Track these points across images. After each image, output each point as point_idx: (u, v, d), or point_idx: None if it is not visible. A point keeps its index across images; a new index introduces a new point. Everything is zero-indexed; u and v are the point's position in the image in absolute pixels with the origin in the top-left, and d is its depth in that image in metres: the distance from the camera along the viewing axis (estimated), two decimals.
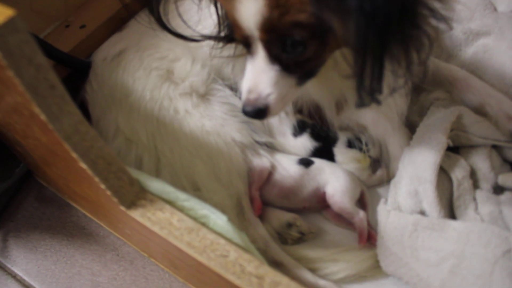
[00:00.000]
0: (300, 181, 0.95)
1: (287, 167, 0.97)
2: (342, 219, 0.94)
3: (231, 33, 0.85)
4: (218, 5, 0.83)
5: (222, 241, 0.68)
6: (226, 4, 0.75)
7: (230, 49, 0.91)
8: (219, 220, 0.69)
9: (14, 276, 0.94)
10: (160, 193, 0.73)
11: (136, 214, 0.71)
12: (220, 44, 0.90)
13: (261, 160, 0.96)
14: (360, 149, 0.98)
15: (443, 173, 0.87)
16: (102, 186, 0.67)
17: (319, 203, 0.96)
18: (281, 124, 1.00)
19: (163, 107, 0.95)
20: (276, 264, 0.85)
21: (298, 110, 1.01)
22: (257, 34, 0.72)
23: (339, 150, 0.99)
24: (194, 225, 0.69)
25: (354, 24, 0.61)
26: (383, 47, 0.65)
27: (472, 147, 0.91)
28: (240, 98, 0.90)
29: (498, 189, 0.87)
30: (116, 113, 0.96)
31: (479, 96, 0.95)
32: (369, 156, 0.98)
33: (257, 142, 0.98)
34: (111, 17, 1.09)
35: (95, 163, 0.64)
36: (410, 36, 0.67)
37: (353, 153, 0.98)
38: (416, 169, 0.87)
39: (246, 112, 0.79)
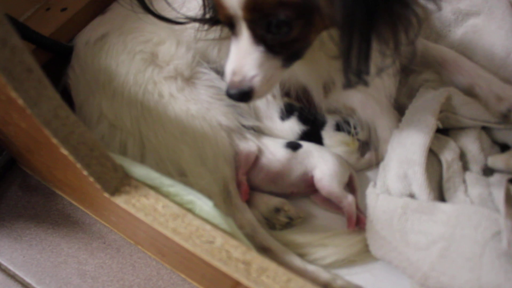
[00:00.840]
0: (288, 165, 0.94)
1: (274, 151, 0.96)
2: (331, 204, 0.93)
3: (216, 15, 0.83)
4: None
5: (208, 227, 0.67)
6: None
7: (215, 31, 0.90)
8: (205, 205, 0.69)
9: None
10: (145, 179, 0.73)
11: (120, 200, 0.71)
12: (205, 27, 0.88)
13: (248, 144, 0.95)
14: (349, 132, 0.97)
15: (433, 155, 0.87)
16: (85, 173, 0.66)
17: (307, 187, 0.95)
18: (268, 108, 0.99)
19: (147, 91, 0.93)
20: (264, 250, 0.84)
21: (286, 93, 1.00)
22: (240, 13, 0.70)
23: (327, 134, 0.98)
24: (180, 211, 0.69)
25: (341, 1, 0.60)
26: (370, 26, 0.64)
27: (461, 129, 0.90)
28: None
29: (488, 171, 0.86)
30: (99, 98, 0.94)
31: (468, 77, 0.95)
32: (358, 139, 0.97)
33: (243, 126, 0.97)
34: (93, 0, 1.07)
35: (77, 149, 0.63)
36: (398, 15, 0.66)
37: (342, 136, 0.97)
38: (405, 152, 0.86)
39: (230, 95, 0.78)
